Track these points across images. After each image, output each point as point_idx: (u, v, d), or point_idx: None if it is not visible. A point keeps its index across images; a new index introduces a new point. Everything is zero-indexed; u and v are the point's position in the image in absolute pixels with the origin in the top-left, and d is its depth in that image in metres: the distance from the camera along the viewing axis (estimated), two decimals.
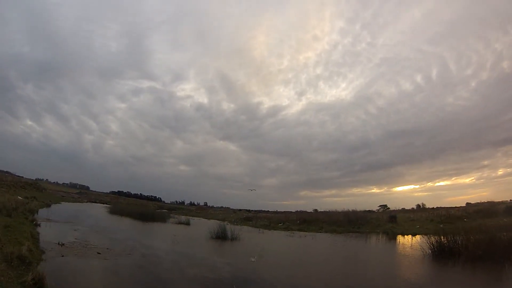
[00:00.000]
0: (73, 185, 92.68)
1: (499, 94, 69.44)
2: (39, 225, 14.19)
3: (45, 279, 5.68)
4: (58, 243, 10.69)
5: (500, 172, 65.53)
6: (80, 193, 72.68)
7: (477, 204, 36.72)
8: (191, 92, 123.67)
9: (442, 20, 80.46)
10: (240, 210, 66.03)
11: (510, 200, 28.81)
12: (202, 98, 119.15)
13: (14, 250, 6.66)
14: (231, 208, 75.99)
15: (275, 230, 26.79)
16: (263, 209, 71.35)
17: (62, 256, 9.07)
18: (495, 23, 70.73)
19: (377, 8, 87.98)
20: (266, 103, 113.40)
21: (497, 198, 36.44)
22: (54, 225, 15.63)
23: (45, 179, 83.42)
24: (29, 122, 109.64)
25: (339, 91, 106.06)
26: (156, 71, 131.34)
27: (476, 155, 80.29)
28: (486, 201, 36.33)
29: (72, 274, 7.30)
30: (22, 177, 58.56)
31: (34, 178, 69.88)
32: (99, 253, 10.34)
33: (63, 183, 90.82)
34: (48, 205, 29.51)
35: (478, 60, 74.83)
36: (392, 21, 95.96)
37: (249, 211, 62.09)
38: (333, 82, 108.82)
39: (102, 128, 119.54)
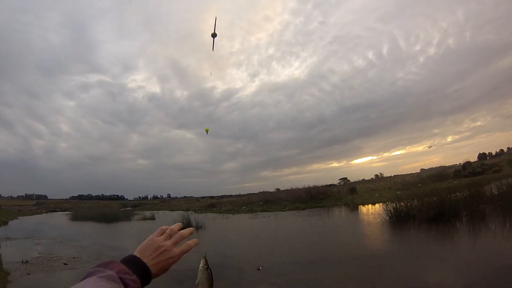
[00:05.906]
0: (29, 197, 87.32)
1: (446, 68, 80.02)
2: None
3: None
4: (22, 261, 10.91)
5: (449, 138, 76.55)
6: (38, 203, 68.58)
7: (430, 169, 41.16)
8: (142, 82, 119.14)
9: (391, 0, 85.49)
10: (203, 197, 66.85)
11: (459, 163, 31.88)
12: (155, 88, 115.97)
13: None
14: (194, 197, 76.55)
15: (239, 213, 28.01)
16: (226, 194, 73.30)
17: (28, 274, 9.44)
18: (442, 4, 76.89)
19: None
20: (220, 87, 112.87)
21: (448, 163, 40.26)
22: (15, 243, 15.51)
23: None
24: None
25: (292, 70, 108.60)
26: (104, 63, 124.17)
27: (427, 124, 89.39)
28: (438, 166, 39.87)
29: None
30: None
31: None
32: (66, 264, 10.79)
33: (18, 196, 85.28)
34: (5, 223, 28.23)
35: (426, 37, 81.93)
36: (343, 0, 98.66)
37: (212, 197, 63.33)
38: (286, 62, 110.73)
39: (52, 130, 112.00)
